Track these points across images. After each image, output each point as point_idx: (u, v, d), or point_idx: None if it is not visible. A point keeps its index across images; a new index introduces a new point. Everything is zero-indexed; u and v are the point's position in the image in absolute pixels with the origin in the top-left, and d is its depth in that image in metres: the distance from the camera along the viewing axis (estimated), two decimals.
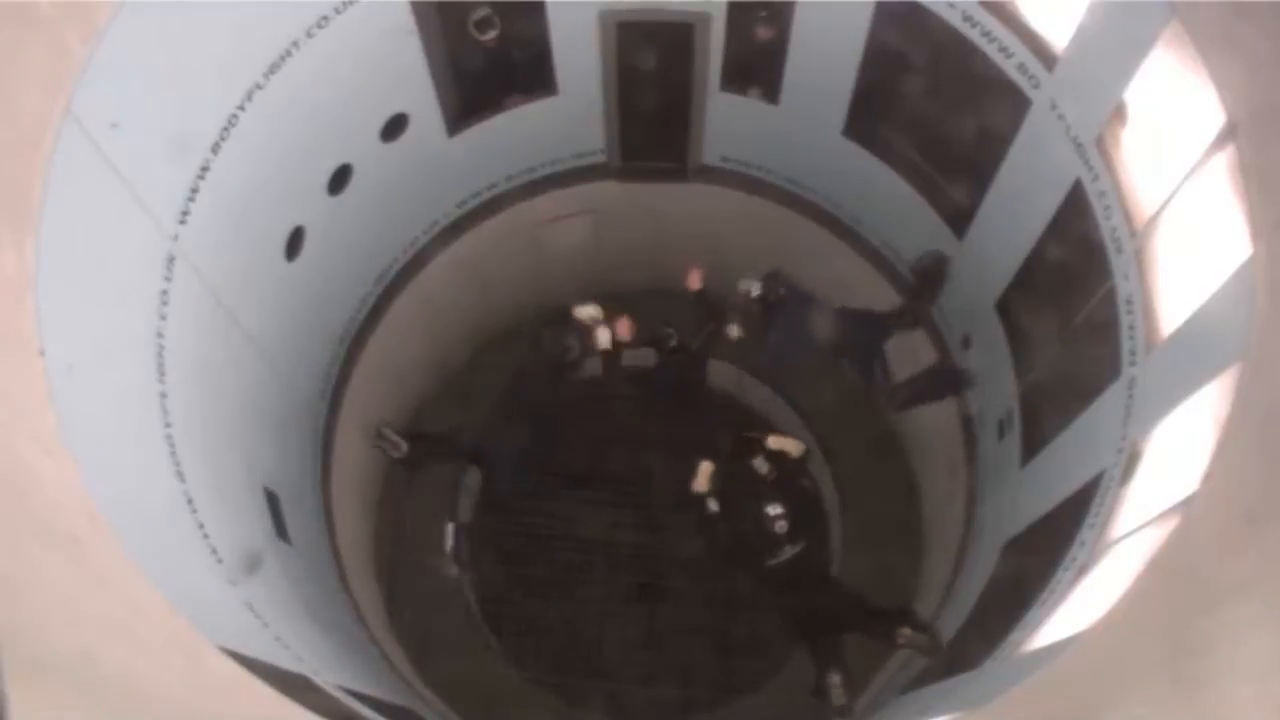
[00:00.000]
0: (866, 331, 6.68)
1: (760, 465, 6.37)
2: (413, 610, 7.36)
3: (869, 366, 6.79)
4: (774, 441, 6.42)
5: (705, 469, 6.34)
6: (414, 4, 5.23)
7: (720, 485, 6.38)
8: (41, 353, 3.10)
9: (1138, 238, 4.41)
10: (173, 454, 4.03)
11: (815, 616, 6.46)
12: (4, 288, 3.07)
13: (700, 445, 6.66)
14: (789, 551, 6.20)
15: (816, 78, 5.99)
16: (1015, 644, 4.48)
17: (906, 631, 5.99)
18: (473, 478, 8.11)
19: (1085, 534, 4.48)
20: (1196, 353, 3.89)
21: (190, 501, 4.07)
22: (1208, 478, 3.34)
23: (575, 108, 6.49)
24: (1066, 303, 5.28)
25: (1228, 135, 3.60)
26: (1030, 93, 4.94)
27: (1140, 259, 4.40)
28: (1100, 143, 4.58)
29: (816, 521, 6.85)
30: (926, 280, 6.45)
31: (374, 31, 5.07)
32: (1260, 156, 3.48)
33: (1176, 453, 3.85)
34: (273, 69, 4.54)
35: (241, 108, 4.42)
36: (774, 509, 6.10)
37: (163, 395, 4.04)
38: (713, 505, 6.34)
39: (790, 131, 6.49)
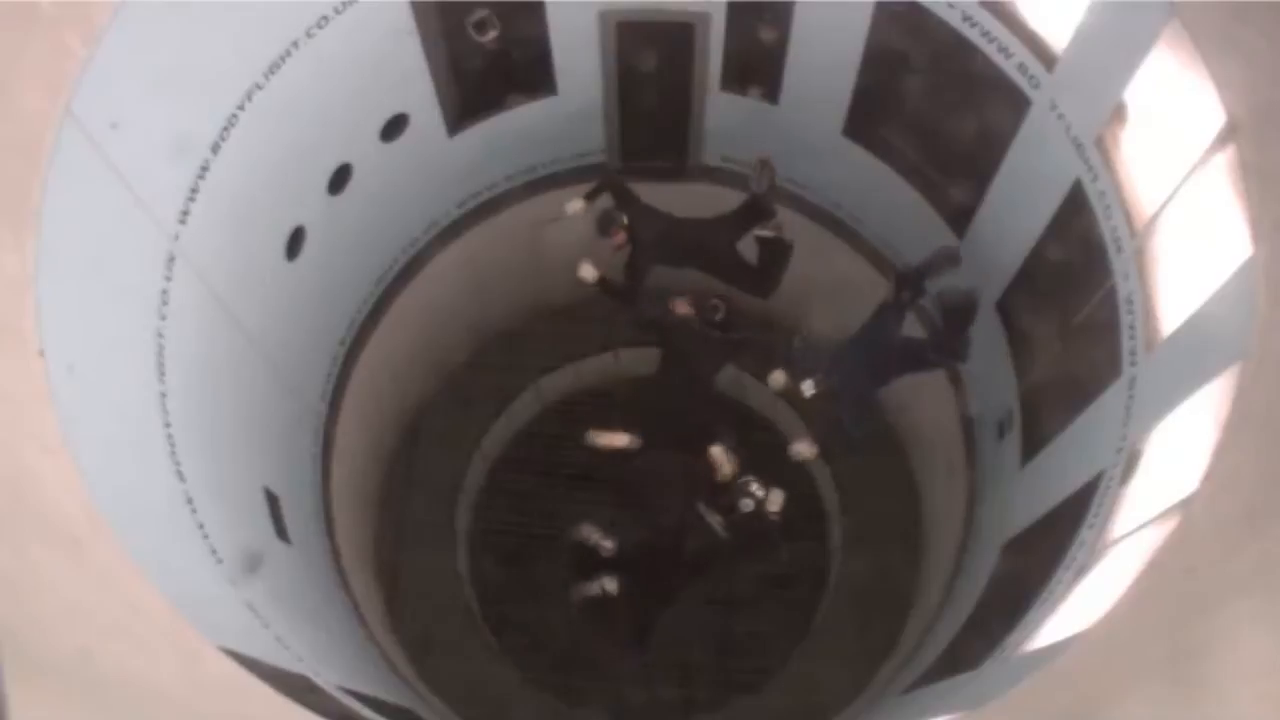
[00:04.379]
0: (901, 363, 6.37)
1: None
2: (413, 610, 7.36)
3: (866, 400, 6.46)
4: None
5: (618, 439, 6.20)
6: (414, 4, 5.23)
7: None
8: (41, 353, 3.10)
9: (1138, 238, 4.41)
10: (173, 454, 4.03)
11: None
12: (4, 288, 3.07)
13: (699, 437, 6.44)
14: (718, 527, 6.04)
15: (816, 77, 6.00)
16: (1015, 644, 4.47)
17: None
18: (473, 478, 8.11)
19: (1085, 534, 4.47)
20: (1196, 353, 3.89)
21: (190, 501, 4.07)
22: (1208, 478, 3.34)
23: (575, 108, 6.49)
24: (1066, 303, 5.28)
25: (1228, 135, 3.60)
26: (1030, 93, 4.94)
27: (1140, 259, 4.40)
28: (1100, 143, 4.58)
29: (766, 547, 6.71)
30: (955, 317, 6.16)
31: (374, 32, 5.07)
32: (1260, 156, 3.48)
33: (1176, 453, 3.85)
34: (273, 69, 4.54)
35: (241, 108, 4.42)
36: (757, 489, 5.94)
37: (163, 395, 4.04)
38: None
39: (790, 131, 6.49)
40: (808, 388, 5.89)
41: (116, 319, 3.86)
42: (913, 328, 6.51)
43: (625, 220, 6.08)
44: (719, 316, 6.21)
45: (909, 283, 6.18)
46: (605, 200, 6.30)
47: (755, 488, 5.94)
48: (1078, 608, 4.12)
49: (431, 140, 6.08)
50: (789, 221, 6.61)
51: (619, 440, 6.33)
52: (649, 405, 6.81)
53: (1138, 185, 4.42)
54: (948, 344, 6.23)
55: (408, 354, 7.30)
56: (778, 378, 6.26)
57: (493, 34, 5.89)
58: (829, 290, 7.14)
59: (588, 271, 6.19)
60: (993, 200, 5.72)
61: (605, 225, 6.10)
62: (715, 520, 6.06)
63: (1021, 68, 4.91)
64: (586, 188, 6.41)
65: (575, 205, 6.30)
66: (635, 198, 6.29)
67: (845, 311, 6.54)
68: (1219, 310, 3.76)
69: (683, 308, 6.34)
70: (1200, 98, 3.68)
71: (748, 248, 6.53)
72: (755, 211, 6.39)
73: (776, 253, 6.48)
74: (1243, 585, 3.12)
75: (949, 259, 6.18)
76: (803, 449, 6.32)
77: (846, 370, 6.02)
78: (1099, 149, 4.59)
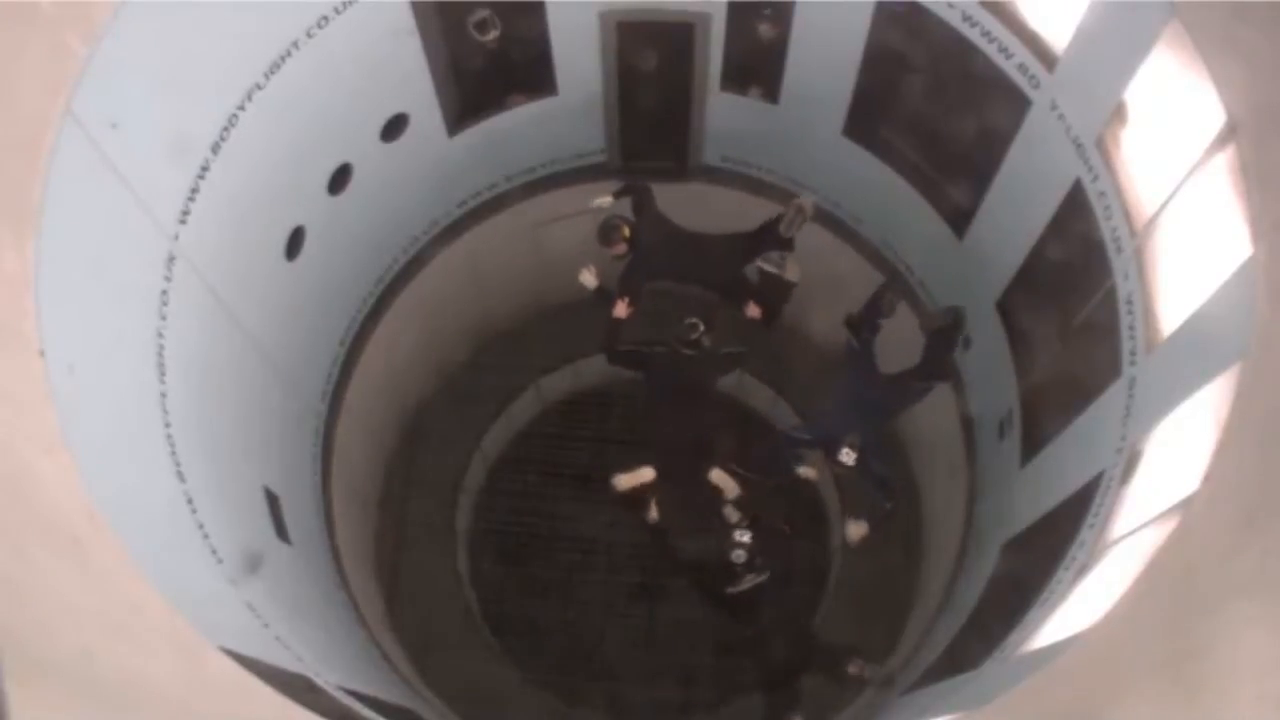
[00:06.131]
0: (891, 399, 6.35)
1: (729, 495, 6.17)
2: (413, 610, 7.36)
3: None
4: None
5: (643, 474, 6.08)
6: (414, 4, 5.23)
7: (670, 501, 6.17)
8: (41, 353, 3.10)
9: (1138, 238, 4.41)
10: (173, 454, 4.03)
11: (775, 656, 6.33)
12: (4, 288, 3.07)
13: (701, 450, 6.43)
14: (751, 580, 6.02)
15: (817, 77, 6.00)
16: (1015, 644, 4.48)
17: (859, 663, 5.89)
18: (473, 478, 8.11)
19: (1085, 534, 4.48)
20: (1196, 353, 3.89)
21: (190, 501, 4.07)
22: (1208, 478, 3.34)
23: (575, 108, 6.49)
24: (1066, 303, 5.28)
25: (1228, 135, 3.60)
26: (1030, 93, 4.95)
27: (1140, 259, 4.40)
28: (1100, 143, 4.58)
29: (782, 552, 6.57)
30: (940, 338, 6.19)
31: (374, 32, 5.07)
32: (1260, 156, 3.48)
33: (1176, 453, 3.85)
34: (273, 69, 4.54)
35: (241, 108, 4.42)
36: (741, 535, 5.92)
37: (163, 395, 4.04)
38: (654, 513, 6.18)
39: (790, 131, 6.49)
40: (847, 456, 5.78)
41: (116, 319, 3.86)
42: (906, 329, 6.51)
43: (628, 231, 6.02)
44: (695, 336, 5.99)
45: (863, 324, 6.21)
46: (622, 206, 6.24)
47: (739, 535, 5.94)
48: (1078, 608, 4.12)
49: (431, 140, 6.08)
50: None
51: (645, 475, 6.19)
52: (653, 427, 6.74)
53: (1138, 185, 4.42)
54: (934, 366, 6.22)
55: (408, 354, 7.30)
56: (855, 529, 6.25)
57: (493, 34, 5.89)
58: (829, 290, 7.13)
59: (588, 278, 6.10)
60: (993, 200, 5.72)
61: (607, 234, 6.03)
62: (751, 580, 6.08)
63: (1022, 68, 4.91)
64: (614, 185, 6.36)
65: (602, 200, 6.25)
66: (653, 206, 6.24)
67: (845, 312, 6.53)
68: (1219, 310, 3.76)
69: (621, 309, 6.10)
70: (1200, 98, 3.68)
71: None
72: (771, 240, 6.33)
73: (776, 289, 6.44)
74: (1243, 585, 3.12)
75: (892, 293, 6.23)
76: (854, 530, 6.26)
77: (847, 428, 5.90)
78: (1099, 149, 4.59)
